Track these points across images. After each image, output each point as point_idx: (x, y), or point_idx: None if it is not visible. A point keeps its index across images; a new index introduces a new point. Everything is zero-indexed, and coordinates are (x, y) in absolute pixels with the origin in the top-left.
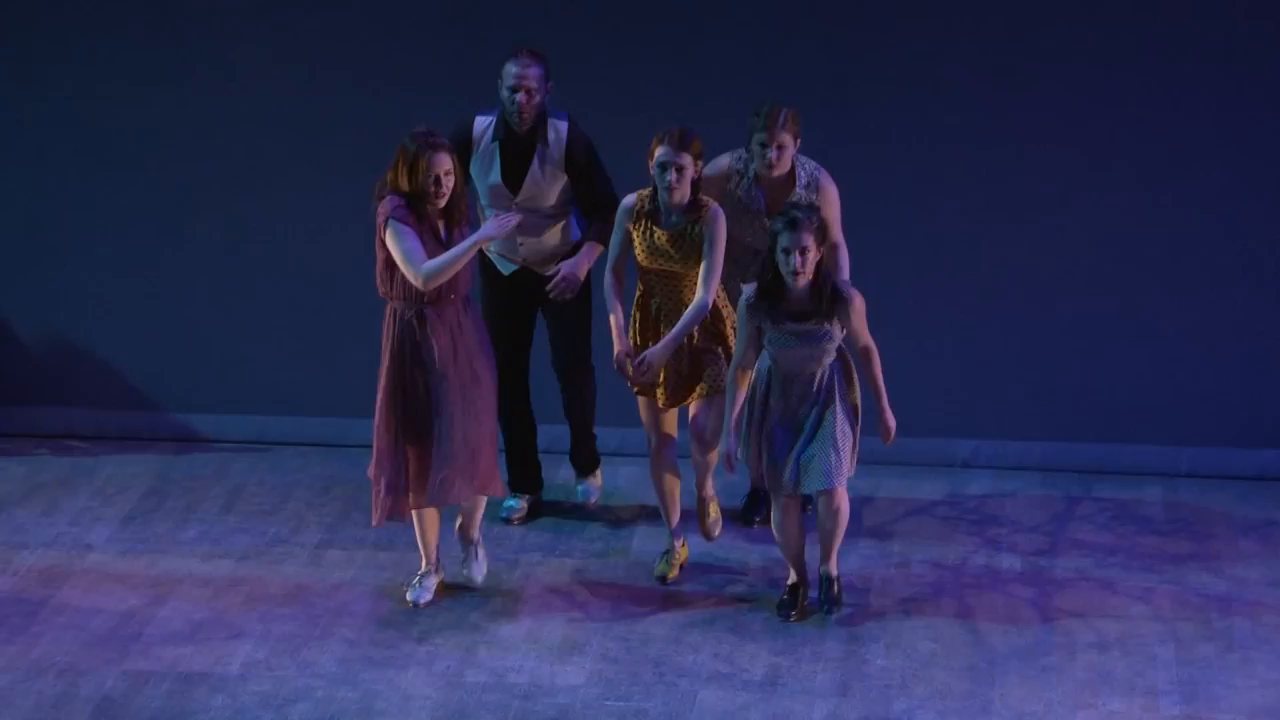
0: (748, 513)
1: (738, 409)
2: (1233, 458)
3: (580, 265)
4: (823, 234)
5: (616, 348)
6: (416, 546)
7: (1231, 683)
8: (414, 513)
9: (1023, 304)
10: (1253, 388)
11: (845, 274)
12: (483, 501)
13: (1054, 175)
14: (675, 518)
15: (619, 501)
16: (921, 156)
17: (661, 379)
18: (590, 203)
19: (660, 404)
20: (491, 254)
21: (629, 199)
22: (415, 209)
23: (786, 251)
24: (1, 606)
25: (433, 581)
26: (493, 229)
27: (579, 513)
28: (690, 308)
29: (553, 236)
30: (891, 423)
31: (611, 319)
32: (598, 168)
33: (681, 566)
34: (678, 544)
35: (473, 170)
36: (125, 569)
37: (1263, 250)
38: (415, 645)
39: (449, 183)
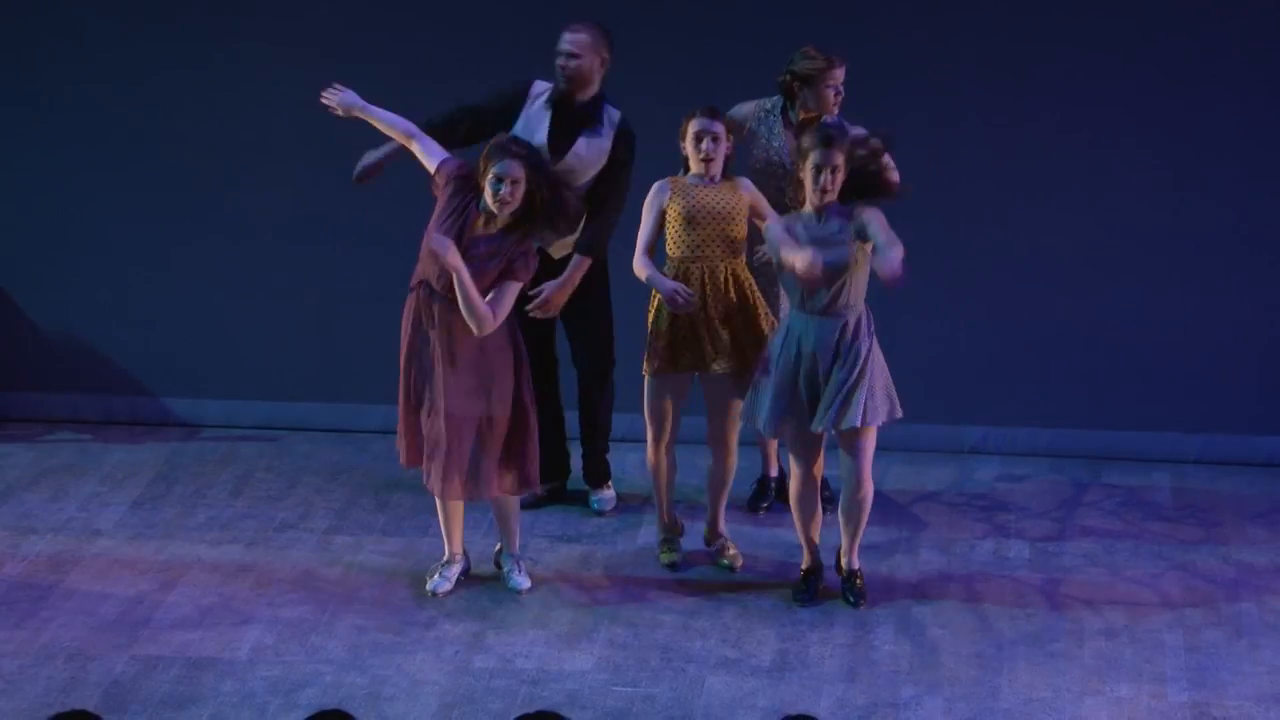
0: (755, 500)
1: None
2: (1241, 444)
3: (565, 286)
4: (851, 153)
5: (667, 287)
6: (425, 533)
7: (1239, 669)
8: (439, 500)
9: (1032, 290)
10: (1262, 374)
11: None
12: (515, 516)
13: (1064, 163)
14: (669, 504)
15: (628, 488)
16: (932, 144)
17: (689, 339)
18: (596, 202)
19: (685, 365)
20: None
21: (661, 183)
22: (475, 185)
23: (818, 169)
24: (10, 592)
25: (454, 571)
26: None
27: (587, 499)
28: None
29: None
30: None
31: (650, 277)
32: (626, 172)
33: (680, 537)
34: (676, 523)
35: (519, 128)
36: (134, 554)
37: (1271, 237)
38: (423, 631)
39: (509, 191)
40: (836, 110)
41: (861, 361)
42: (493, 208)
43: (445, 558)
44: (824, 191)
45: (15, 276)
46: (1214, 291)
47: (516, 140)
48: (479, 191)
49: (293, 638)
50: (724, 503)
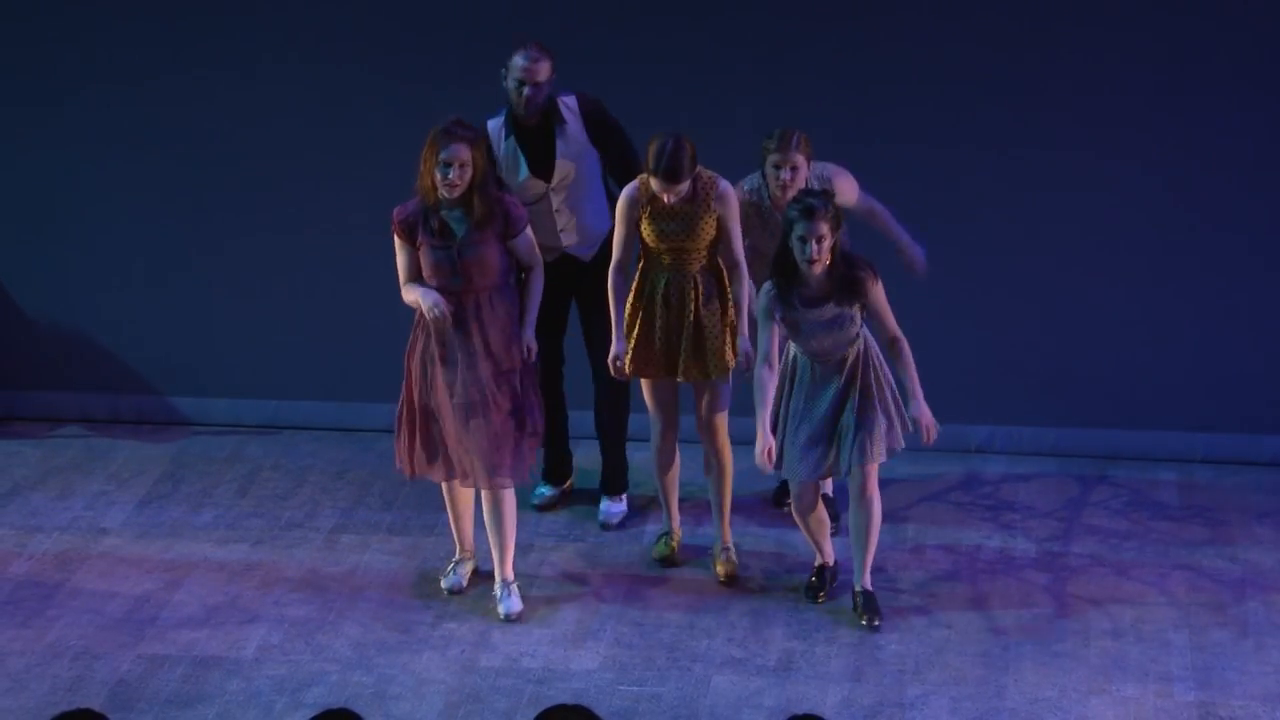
0: (780, 496)
1: (769, 407)
2: (1248, 443)
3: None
4: (837, 220)
5: (614, 348)
6: (431, 531)
7: (1245, 669)
8: (446, 498)
9: (1038, 289)
10: (1268, 373)
11: (898, 227)
12: (511, 540)
13: (1069, 164)
14: (675, 503)
15: (633, 486)
16: (937, 146)
17: (659, 350)
18: (621, 168)
19: (659, 375)
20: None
21: (630, 190)
22: (426, 210)
23: (803, 240)
24: (17, 590)
25: (466, 569)
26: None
27: (593, 498)
28: (735, 283)
29: (593, 216)
30: (927, 419)
31: (613, 315)
32: (620, 128)
33: (677, 549)
34: (675, 525)
35: (501, 174)
36: (140, 553)
37: (1278, 236)
38: (429, 629)
39: (458, 174)
40: (790, 191)
41: (854, 402)
42: (444, 193)
43: (457, 555)
44: (812, 262)
45: (21, 276)
46: (1221, 290)
47: (459, 122)
48: (430, 199)
49: (299, 636)
50: (728, 509)
